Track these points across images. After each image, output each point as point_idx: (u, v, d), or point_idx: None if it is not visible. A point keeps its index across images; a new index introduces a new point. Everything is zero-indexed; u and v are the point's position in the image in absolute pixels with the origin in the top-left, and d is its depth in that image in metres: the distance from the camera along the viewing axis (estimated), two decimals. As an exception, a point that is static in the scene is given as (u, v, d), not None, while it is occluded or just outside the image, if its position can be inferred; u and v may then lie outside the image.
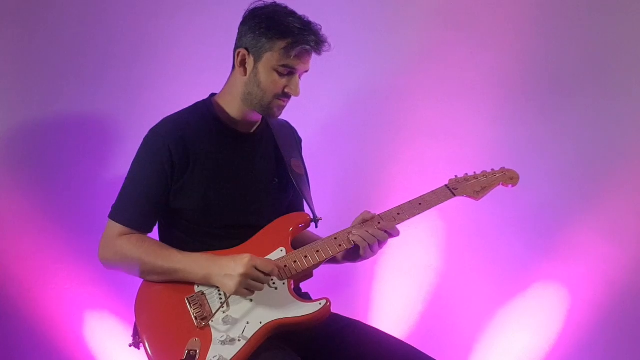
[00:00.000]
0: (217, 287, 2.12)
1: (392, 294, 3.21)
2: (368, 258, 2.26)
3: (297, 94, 2.19)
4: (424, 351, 2.21)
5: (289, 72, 2.17)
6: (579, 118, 3.19)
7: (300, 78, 2.22)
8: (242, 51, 2.18)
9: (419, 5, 3.16)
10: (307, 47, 2.14)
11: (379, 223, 2.24)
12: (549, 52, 3.19)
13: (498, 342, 3.20)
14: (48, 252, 2.93)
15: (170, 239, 2.26)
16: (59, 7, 2.96)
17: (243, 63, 2.19)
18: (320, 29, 2.17)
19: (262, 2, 2.21)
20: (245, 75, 2.19)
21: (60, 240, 2.94)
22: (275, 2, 2.21)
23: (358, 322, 2.31)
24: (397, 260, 3.19)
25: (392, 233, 2.23)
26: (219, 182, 2.23)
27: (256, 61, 2.17)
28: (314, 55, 2.19)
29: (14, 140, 2.94)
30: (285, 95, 2.20)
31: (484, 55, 3.16)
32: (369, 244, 2.20)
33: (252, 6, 2.21)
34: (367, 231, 2.20)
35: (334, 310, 2.16)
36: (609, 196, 3.17)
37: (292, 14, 2.18)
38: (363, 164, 3.21)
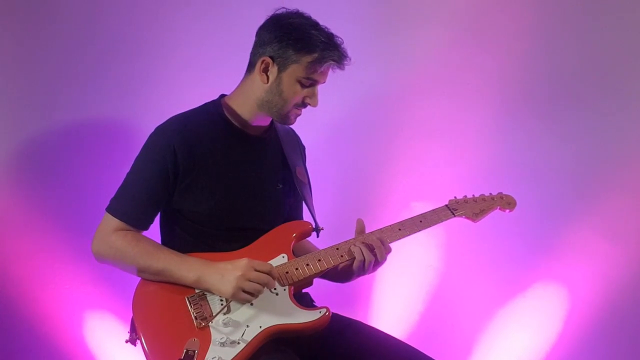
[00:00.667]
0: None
1: (392, 294, 3.22)
2: (359, 276, 2.26)
3: (316, 105, 2.24)
4: (424, 351, 2.22)
5: (311, 84, 2.21)
6: (579, 119, 3.19)
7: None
8: (267, 59, 2.18)
9: (419, 7, 3.16)
10: (333, 63, 2.18)
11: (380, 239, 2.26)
12: (549, 53, 3.19)
13: (498, 343, 3.21)
14: (48, 252, 2.94)
15: (172, 238, 2.26)
16: (62, 6, 2.96)
17: (266, 71, 2.20)
18: (342, 43, 2.21)
19: (285, 9, 2.22)
20: (267, 82, 2.20)
21: (60, 240, 2.94)
22: (298, 11, 2.22)
23: (358, 322, 2.31)
24: (397, 260, 3.18)
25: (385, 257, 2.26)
26: (225, 183, 2.23)
27: (280, 71, 2.18)
28: None
29: (14, 141, 2.94)
30: (303, 105, 2.24)
31: (484, 56, 3.16)
32: (364, 260, 2.21)
33: (276, 13, 2.22)
34: (368, 249, 2.22)
35: (334, 309, 2.16)
36: (609, 196, 3.18)
37: (316, 26, 2.19)
38: (363, 166, 3.22)
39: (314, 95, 2.22)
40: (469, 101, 3.18)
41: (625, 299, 3.18)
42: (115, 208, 2.19)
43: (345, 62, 2.20)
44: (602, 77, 3.18)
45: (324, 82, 2.24)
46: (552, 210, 3.20)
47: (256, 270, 2.08)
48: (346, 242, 2.25)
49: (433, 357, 2.20)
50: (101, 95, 2.99)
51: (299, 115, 2.27)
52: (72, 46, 2.96)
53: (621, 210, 3.17)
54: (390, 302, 3.21)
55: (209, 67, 2.95)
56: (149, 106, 2.92)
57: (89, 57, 2.98)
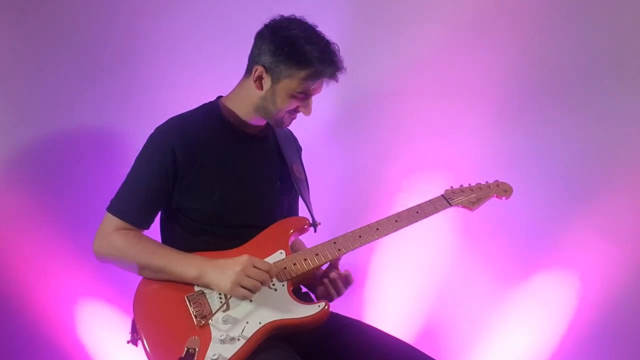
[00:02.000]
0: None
1: (392, 294, 3.22)
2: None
3: (309, 114, 2.26)
4: (424, 351, 2.21)
5: (304, 97, 2.22)
6: (579, 118, 3.19)
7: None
8: (260, 69, 2.20)
9: (420, 6, 3.16)
10: (325, 78, 2.19)
11: (377, 230, 2.27)
12: (549, 53, 3.20)
13: (498, 342, 3.21)
14: (48, 251, 2.94)
15: (172, 235, 2.28)
16: (63, 7, 2.96)
17: (260, 79, 2.21)
18: (338, 52, 2.20)
19: (281, 17, 2.22)
20: (262, 90, 2.22)
21: (60, 240, 2.94)
22: (296, 18, 2.22)
23: (358, 321, 2.31)
24: (397, 260, 3.20)
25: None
26: (224, 182, 2.25)
27: (274, 83, 2.20)
28: None
29: (14, 141, 2.95)
30: (297, 112, 2.26)
31: (484, 56, 3.17)
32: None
33: (273, 22, 2.22)
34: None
35: (333, 309, 2.17)
36: (609, 196, 3.18)
37: (311, 38, 2.17)
38: (363, 167, 3.22)
39: (307, 106, 2.24)
40: (469, 101, 3.18)
41: (625, 298, 3.18)
42: (116, 208, 2.20)
43: (340, 74, 2.20)
44: (602, 77, 3.19)
45: (319, 93, 2.25)
46: (552, 210, 3.20)
47: (255, 267, 2.09)
48: (343, 236, 2.26)
49: (433, 357, 2.19)
50: (101, 96, 2.99)
51: (294, 118, 2.29)
52: (71, 48, 2.96)
53: (621, 210, 3.17)
54: (390, 302, 3.21)
55: (207, 69, 2.95)
56: (149, 107, 2.92)
57: (88, 59, 2.98)
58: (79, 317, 2.99)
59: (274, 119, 2.26)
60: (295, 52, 2.16)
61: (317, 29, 2.21)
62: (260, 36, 2.23)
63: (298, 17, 2.22)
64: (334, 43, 2.21)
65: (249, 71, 2.25)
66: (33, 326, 2.94)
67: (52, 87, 2.96)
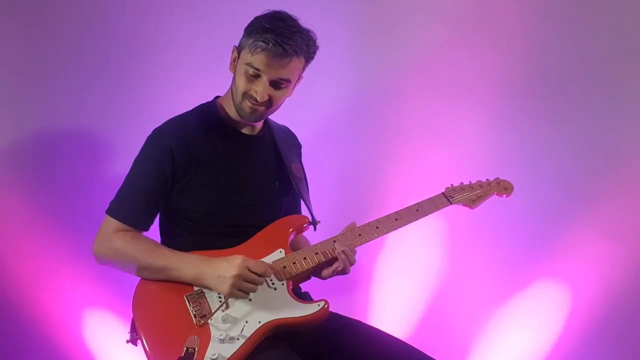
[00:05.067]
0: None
1: (392, 294, 3.21)
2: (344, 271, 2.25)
3: (260, 98, 2.16)
4: (424, 351, 2.22)
5: (255, 74, 2.16)
6: (579, 119, 3.19)
7: (278, 84, 2.18)
8: (234, 48, 2.22)
9: (419, 6, 3.16)
10: (262, 44, 2.11)
11: (377, 228, 2.27)
12: (549, 53, 3.19)
13: (498, 342, 3.20)
14: (48, 252, 2.94)
15: (171, 236, 2.28)
16: (59, 7, 2.96)
17: (234, 61, 2.23)
18: (301, 32, 2.14)
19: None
20: (234, 72, 2.23)
21: (60, 240, 2.94)
22: (281, 10, 2.21)
23: (358, 321, 2.31)
24: (397, 260, 3.20)
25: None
26: (222, 183, 2.25)
27: (237, 59, 2.21)
28: (306, 59, 2.20)
29: (13, 141, 2.94)
30: (252, 97, 2.18)
31: (484, 56, 3.17)
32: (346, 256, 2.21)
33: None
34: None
35: (333, 309, 2.16)
36: (609, 196, 3.17)
37: (277, 17, 2.15)
38: (363, 165, 3.21)
39: (257, 86, 2.15)
40: (469, 101, 3.18)
41: (625, 299, 3.17)
42: (115, 210, 2.20)
43: (285, 49, 2.10)
44: (602, 77, 3.18)
45: (273, 78, 2.15)
46: (552, 210, 3.20)
47: (250, 271, 2.09)
48: (341, 234, 2.25)
49: (433, 357, 2.19)
50: (100, 97, 2.99)
51: (257, 110, 2.20)
52: (69, 48, 2.96)
53: (621, 210, 3.17)
54: (390, 302, 3.21)
55: (205, 69, 2.95)
56: (148, 108, 2.92)
57: (86, 60, 2.97)
58: (78, 317, 2.98)
59: (236, 106, 2.21)
60: (255, 23, 2.16)
61: (293, 16, 2.18)
62: None
63: (285, 11, 2.21)
64: (306, 29, 2.16)
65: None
66: (33, 326, 2.94)
67: (49, 88, 2.95)
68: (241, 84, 2.18)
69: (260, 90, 2.16)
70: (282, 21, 2.15)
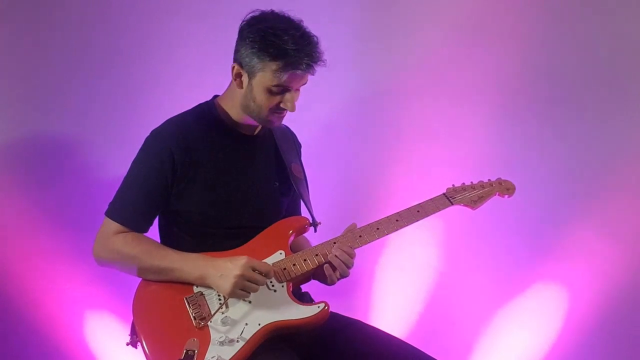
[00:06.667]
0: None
1: (392, 294, 3.21)
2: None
3: (292, 110, 2.17)
4: (424, 351, 2.21)
5: (282, 91, 2.15)
6: (579, 119, 3.19)
7: (299, 90, 2.19)
8: (236, 66, 2.17)
9: (420, 7, 3.16)
10: (299, 71, 2.10)
11: (377, 229, 2.26)
12: (549, 54, 3.19)
13: (498, 342, 3.21)
14: (48, 252, 2.94)
15: (171, 238, 2.27)
16: (61, 7, 2.96)
17: (238, 77, 2.18)
18: (317, 44, 2.12)
19: (260, 11, 2.17)
20: (242, 88, 2.19)
21: (60, 241, 2.94)
22: (273, 12, 2.16)
23: (358, 321, 2.31)
24: (397, 260, 3.20)
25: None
26: (222, 183, 2.24)
27: (250, 78, 2.15)
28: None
29: (14, 142, 2.94)
30: (281, 109, 2.19)
31: (485, 57, 3.17)
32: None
33: (250, 15, 2.17)
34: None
35: (333, 309, 2.16)
36: (608, 196, 3.18)
37: (286, 30, 2.10)
38: (364, 166, 3.22)
39: (288, 101, 2.15)
40: (469, 101, 3.18)
41: (624, 299, 3.18)
42: (115, 212, 2.19)
43: (317, 67, 2.11)
44: (602, 78, 3.18)
45: (298, 88, 2.17)
46: (552, 210, 3.20)
47: (254, 271, 2.09)
48: (342, 236, 2.25)
49: (433, 357, 2.19)
50: (99, 97, 2.99)
51: (282, 117, 2.22)
52: (69, 49, 2.96)
53: (621, 210, 3.17)
54: (390, 302, 3.21)
55: (204, 69, 2.95)
56: (146, 109, 2.92)
57: (86, 60, 2.98)
58: (79, 318, 2.99)
59: (260, 118, 2.20)
60: (268, 43, 2.08)
61: (295, 21, 2.14)
62: (238, 33, 2.18)
63: (277, 11, 2.16)
64: (314, 35, 2.13)
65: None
66: (34, 327, 2.94)
67: (49, 89, 2.96)
68: (265, 101, 2.15)
69: (291, 102, 2.16)
70: (298, 34, 2.10)
